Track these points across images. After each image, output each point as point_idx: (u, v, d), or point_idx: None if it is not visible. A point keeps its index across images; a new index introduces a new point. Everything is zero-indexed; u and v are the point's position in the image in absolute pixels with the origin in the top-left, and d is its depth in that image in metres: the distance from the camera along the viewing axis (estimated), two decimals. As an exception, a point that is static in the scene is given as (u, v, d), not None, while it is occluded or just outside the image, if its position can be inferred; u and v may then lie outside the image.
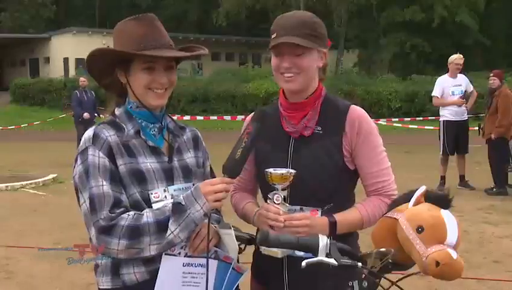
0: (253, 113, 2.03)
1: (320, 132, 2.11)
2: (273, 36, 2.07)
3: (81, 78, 14.36)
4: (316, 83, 2.17)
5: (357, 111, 2.14)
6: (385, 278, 1.73)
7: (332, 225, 2.05)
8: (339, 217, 2.07)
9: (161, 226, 1.85)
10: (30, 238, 6.74)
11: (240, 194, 2.32)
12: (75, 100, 13.88)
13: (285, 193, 2.04)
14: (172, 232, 1.85)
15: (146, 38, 1.96)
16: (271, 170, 2.02)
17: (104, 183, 1.87)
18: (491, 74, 9.40)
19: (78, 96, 13.83)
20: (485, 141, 9.36)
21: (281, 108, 2.20)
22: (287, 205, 2.05)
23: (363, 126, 2.10)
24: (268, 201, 2.06)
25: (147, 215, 1.86)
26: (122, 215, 1.85)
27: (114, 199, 1.87)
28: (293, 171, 2.03)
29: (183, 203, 1.87)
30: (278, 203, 2.02)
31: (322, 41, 2.11)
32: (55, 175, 11.22)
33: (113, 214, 1.84)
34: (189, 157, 2.13)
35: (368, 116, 2.16)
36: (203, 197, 1.86)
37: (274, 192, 2.03)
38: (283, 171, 2.01)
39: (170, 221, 1.85)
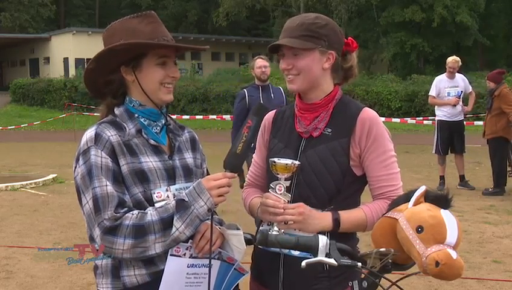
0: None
1: (330, 134, 2.11)
2: None
3: (260, 61, 6.74)
4: (329, 85, 2.17)
5: (369, 113, 2.12)
6: (385, 278, 1.74)
7: (336, 220, 2.03)
8: (343, 214, 2.05)
9: (166, 223, 1.85)
10: (30, 238, 6.73)
11: (250, 189, 2.34)
12: (240, 105, 6.69)
13: (288, 183, 2.02)
14: (177, 229, 1.85)
15: (157, 33, 1.97)
16: (275, 159, 2.02)
17: (108, 183, 1.87)
18: (486, 78, 9.39)
19: (247, 98, 6.67)
20: (486, 141, 9.36)
21: (296, 108, 2.21)
22: (289, 195, 2.04)
23: (373, 128, 2.08)
24: (270, 190, 2.04)
25: (151, 214, 1.86)
26: (126, 215, 1.85)
27: (118, 199, 1.87)
28: (297, 162, 2.02)
29: (187, 199, 1.87)
30: (280, 193, 2.01)
31: (325, 42, 2.09)
32: (55, 175, 11.21)
33: (117, 214, 1.84)
34: (189, 157, 2.13)
35: (380, 120, 2.14)
36: (206, 192, 1.87)
37: (276, 182, 2.02)
38: (287, 161, 2.01)
39: (175, 218, 1.85)
